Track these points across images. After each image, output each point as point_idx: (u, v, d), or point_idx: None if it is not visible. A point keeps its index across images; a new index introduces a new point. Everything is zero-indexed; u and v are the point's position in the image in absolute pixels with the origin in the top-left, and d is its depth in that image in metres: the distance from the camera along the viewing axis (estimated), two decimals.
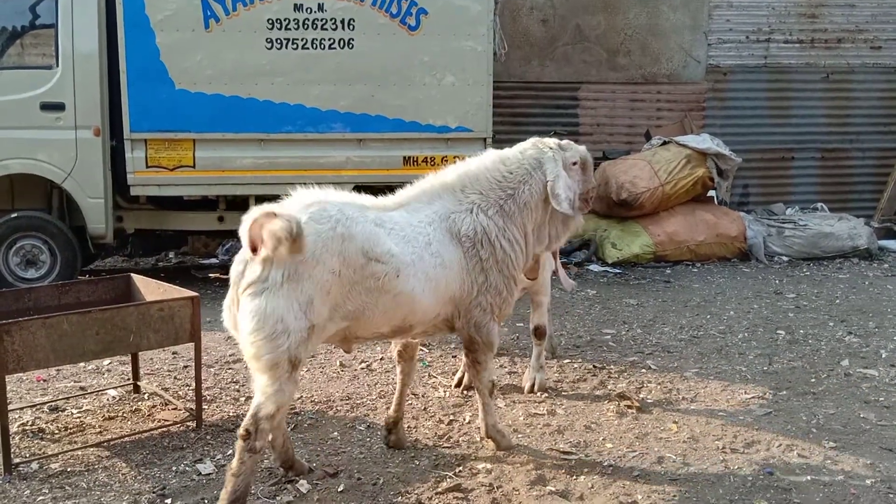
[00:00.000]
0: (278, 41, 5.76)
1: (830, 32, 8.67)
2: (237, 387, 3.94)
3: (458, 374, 3.93)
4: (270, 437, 2.64)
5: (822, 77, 8.71)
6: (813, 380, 4.10)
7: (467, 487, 2.84)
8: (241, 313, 2.41)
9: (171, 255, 7.51)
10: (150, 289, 3.63)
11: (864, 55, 8.75)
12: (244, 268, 2.44)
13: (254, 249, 2.38)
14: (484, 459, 3.08)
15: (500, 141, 7.16)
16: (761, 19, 8.57)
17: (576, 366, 4.29)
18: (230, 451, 3.13)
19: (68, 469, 2.97)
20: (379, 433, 3.34)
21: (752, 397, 3.82)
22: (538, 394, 3.79)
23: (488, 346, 2.93)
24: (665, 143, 7.59)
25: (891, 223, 8.39)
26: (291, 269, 2.37)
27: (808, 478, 2.96)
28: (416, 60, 5.96)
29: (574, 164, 3.00)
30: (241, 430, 2.42)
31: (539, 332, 3.87)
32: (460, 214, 2.81)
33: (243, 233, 2.39)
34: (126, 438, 3.25)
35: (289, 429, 3.38)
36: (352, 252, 2.48)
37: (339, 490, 2.83)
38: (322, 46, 5.82)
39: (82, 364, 4.10)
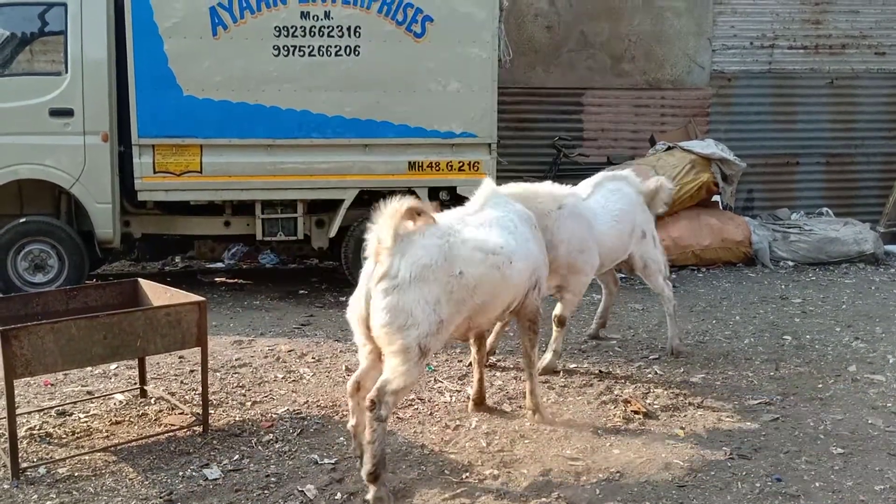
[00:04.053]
0: (285, 48, 5.79)
1: (834, 38, 8.67)
2: (243, 391, 3.95)
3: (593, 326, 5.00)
4: (354, 422, 2.94)
5: (827, 83, 8.70)
6: (820, 385, 4.08)
7: (474, 493, 2.84)
8: (374, 308, 2.72)
9: (178, 259, 7.53)
10: (157, 293, 3.65)
11: (869, 61, 8.74)
12: (374, 266, 2.76)
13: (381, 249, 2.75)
14: (491, 465, 3.08)
15: (504, 147, 7.19)
16: (765, 25, 8.58)
17: (582, 371, 4.29)
18: (237, 456, 3.15)
19: (76, 474, 2.98)
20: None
21: (759, 403, 3.81)
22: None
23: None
24: (669, 148, 7.59)
25: None
26: (418, 271, 2.71)
27: (817, 484, 2.95)
28: (422, 67, 5.98)
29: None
30: (366, 402, 2.72)
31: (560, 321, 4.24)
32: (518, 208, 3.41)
33: (375, 234, 2.77)
34: (133, 443, 3.26)
35: (295, 433, 3.39)
36: (466, 254, 2.88)
37: (345, 495, 2.83)
38: (328, 53, 5.84)
39: (89, 368, 4.11)
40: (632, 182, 4.57)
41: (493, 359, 4.42)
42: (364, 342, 2.86)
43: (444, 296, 2.78)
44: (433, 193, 6.06)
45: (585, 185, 4.43)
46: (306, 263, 7.54)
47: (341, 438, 3.35)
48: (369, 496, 2.72)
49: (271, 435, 3.36)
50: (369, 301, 2.75)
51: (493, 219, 3.16)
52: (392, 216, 2.72)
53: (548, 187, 3.96)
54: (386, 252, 2.73)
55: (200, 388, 3.43)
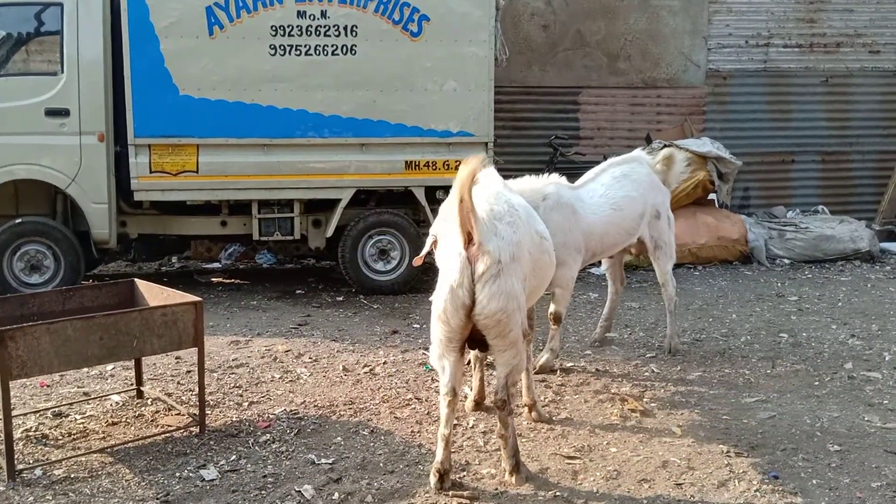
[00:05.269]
0: (282, 47, 5.78)
1: (829, 37, 8.69)
2: (240, 391, 3.94)
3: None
4: (448, 432, 2.85)
5: (822, 81, 8.72)
6: (816, 383, 4.10)
7: (471, 493, 2.84)
8: (483, 296, 2.63)
9: (174, 259, 7.52)
10: (154, 294, 3.64)
11: (863, 59, 8.77)
12: (466, 257, 2.64)
13: (469, 239, 2.65)
14: (488, 464, 3.08)
15: (501, 146, 7.18)
16: (760, 24, 8.59)
17: (579, 369, 4.29)
18: (234, 457, 3.14)
19: (72, 475, 2.98)
20: (381, 438, 3.35)
21: (756, 401, 3.82)
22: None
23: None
24: (665, 146, 7.60)
25: (892, 225, 8.39)
26: (515, 250, 2.69)
27: (814, 481, 2.96)
28: (418, 66, 5.97)
29: None
30: (497, 402, 2.82)
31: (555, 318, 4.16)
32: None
33: (457, 227, 2.65)
34: (129, 444, 3.25)
35: (292, 434, 3.39)
36: (534, 236, 2.95)
37: (343, 495, 2.83)
38: (325, 53, 5.83)
39: (86, 369, 4.10)
40: (644, 161, 4.40)
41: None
42: (458, 338, 2.72)
43: (527, 274, 2.80)
44: (430, 193, 6.06)
45: (590, 172, 4.33)
46: (303, 263, 7.54)
47: (338, 438, 3.35)
48: (513, 480, 2.88)
49: (268, 435, 3.36)
50: (472, 290, 2.63)
51: (524, 202, 3.12)
52: (471, 209, 2.60)
53: (527, 182, 3.80)
54: (484, 240, 2.65)
55: (197, 389, 3.42)
